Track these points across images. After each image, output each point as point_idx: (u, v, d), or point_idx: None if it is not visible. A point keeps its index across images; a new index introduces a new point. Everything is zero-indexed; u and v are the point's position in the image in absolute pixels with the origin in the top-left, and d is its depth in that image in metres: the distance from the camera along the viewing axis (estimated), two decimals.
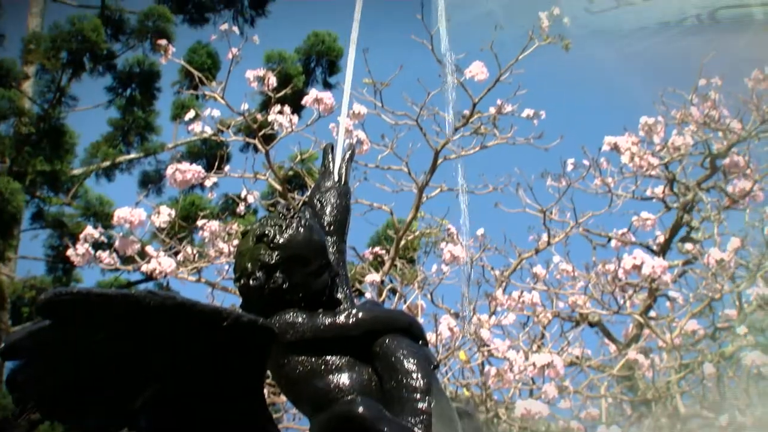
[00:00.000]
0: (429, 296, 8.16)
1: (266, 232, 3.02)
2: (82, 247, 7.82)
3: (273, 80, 8.42)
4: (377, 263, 8.95)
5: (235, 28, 8.55)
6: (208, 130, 8.83)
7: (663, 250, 8.78)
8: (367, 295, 7.91)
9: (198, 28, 16.04)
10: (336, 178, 3.49)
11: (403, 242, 8.55)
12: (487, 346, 7.16)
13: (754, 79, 8.60)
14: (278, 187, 8.57)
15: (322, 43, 14.86)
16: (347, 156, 3.56)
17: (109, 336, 2.47)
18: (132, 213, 7.67)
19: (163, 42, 8.87)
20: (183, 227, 8.46)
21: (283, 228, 3.03)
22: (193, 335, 2.53)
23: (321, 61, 15.03)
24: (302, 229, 3.04)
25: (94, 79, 14.70)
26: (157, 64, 14.57)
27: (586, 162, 8.89)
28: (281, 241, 3.00)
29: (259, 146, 8.29)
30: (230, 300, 7.88)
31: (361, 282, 8.12)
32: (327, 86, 15.00)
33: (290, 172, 9.20)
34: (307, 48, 14.88)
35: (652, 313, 8.36)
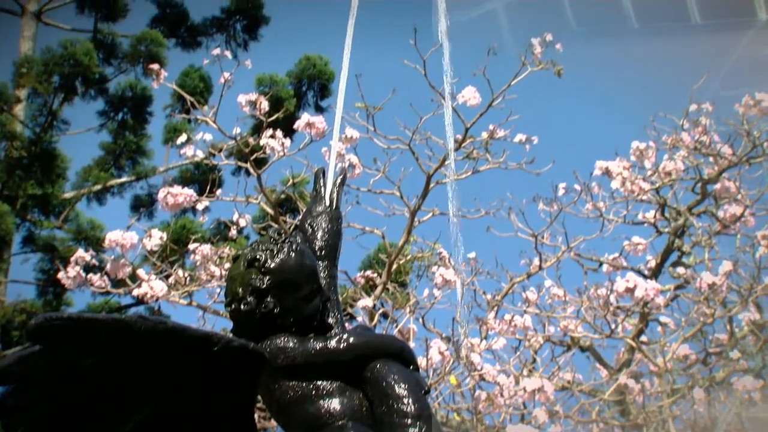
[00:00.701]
0: (421, 320, 8.15)
1: (257, 256, 3.02)
2: (73, 270, 7.79)
3: (265, 104, 8.43)
4: (369, 287, 8.94)
5: (228, 53, 8.55)
6: (200, 154, 8.82)
7: (654, 275, 8.77)
8: (359, 320, 7.90)
9: (191, 52, 16.11)
10: (327, 203, 3.49)
11: (395, 266, 8.55)
12: (478, 370, 7.14)
13: (744, 105, 8.63)
14: (270, 211, 8.56)
15: (314, 67, 14.91)
16: (339, 181, 3.56)
17: (100, 360, 2.47)
18: (123, 236, 7.66)
19: (155, 66, 8.88)
20: (174, 251, 8.43)
21: (275, 253, 3.03)
22: (184, 360, 2.52)
23: (312, 85, 15.08)
24: (293, 254, 3.04)
25: (86, 103, 14.75)
26: (149, 89, 14.61)
27: (577, 187, 8.91)
28: (272, 265, 3.00)
29: (251, 170, 8.29)
30: (221, 323, 7.85)
31: (352, 306, 8.10)
32: (319, 109, 15.06)
33: (282, 196, 9.19)
34: (299, 71, 14.92)
35: (644, 338, 8.35)
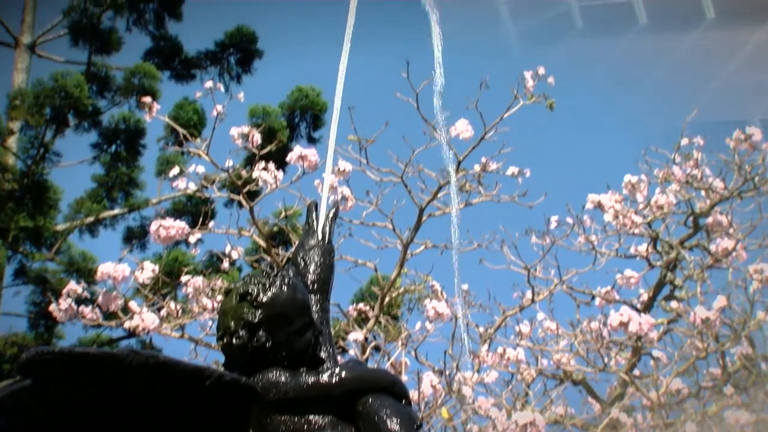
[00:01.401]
0: (413, 353, 8.13)
1: (250, 290, 3.02)
2: (64, 303, 7.76)
3: (257, 137, 8.44)
4: (361, 320, 8.92)
5: (220, 86, 8.58)
6: (192, 187, 8.81)
7: (647, 309, 8.77)
8: (351, 353, 7.88)
9: (184, 84, 16.16)
10: (320, 236, 3.49)
11: (387, 299, 8.54)
12: (471, 403, 7.12)
13: (735, 140, 8.67)
14: (262, 243, 8.55)
15: (306, 98, 14.95)
16: (331, 214, 3.57)
17: (92, 394, 2.46)
18: (115, 269, 7.64)
19: (147, 99, 8.89)
20: (166, 283, 8.41)
21: (267, 286, 3.03)
22: (176, 394, 2.51)
23: (305, 116, 15.11)
24: (286, 288, 3.04)
25: (79, 135, 14.76)
26: (142, 121, 14.63)
27: (570, 220, 8.93)
28: (264, 299, 3.00)
29: (244, 203, 8.29)
30: (213, 356, 7.82)
31: (344, 339, 8.08)
32: (311, 140, 15.09)
33: (274, 229, 9.19)
34: (291, 103, 14.96)
35: (637, 372, 8.33)
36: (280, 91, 15.29)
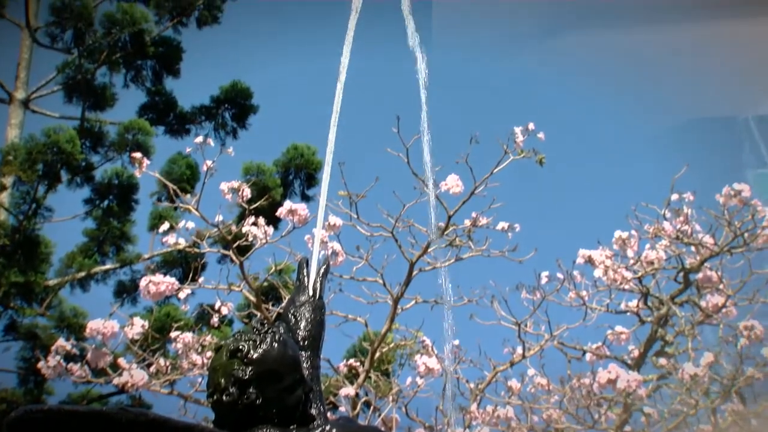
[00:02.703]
0: (404, 409, 8.10)
1: (240, 347, 3.02)
2: (53, 360, 7.73)
3: (247, 192, 8.47)
4: (352, 375, 8.89)
5: (210, 141, 8.59)
6: (182, 242, 8.81)
7: (638, 365, 8.76)
8: (342, 409, 7.85)
9: (179, 139, 16.22)
10: (311, 293, 3.51)
11: (377, 354, 8.52)
12: None
13: (725, 195, 8.71)
14: (252, 299, 8.55)
15: (302, 156, 15.00)
16: (322, 270, 3.59)
17: None
18: (105, 325, 7.62)
19: (138, 155, 8.90)
20: (156, 339, 8.39)
21: (257, 343, 3.03)
22: None
23: (300, 174, 15.15)
24: (276, 345, 3.05)
25: (71, 191, 14.76)
26: (135, 177, 14.63)
27: (560, 275, 8.93)
28: (255, 356, 3.00)
29: (234, 258, 8.29)
30: (203, 412, 7.78)
31: (335, 395, 8.06)
32: (305, 198, 15.11)
33: (265, 284, 9.18)
34: (286, 161, 15.01)
35: (628, 428, 8.31)
36: (276, 146, 15.34)
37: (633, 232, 8.95)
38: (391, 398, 7.86)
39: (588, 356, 9.00)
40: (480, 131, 8.24)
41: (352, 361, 9.42)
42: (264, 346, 3.03)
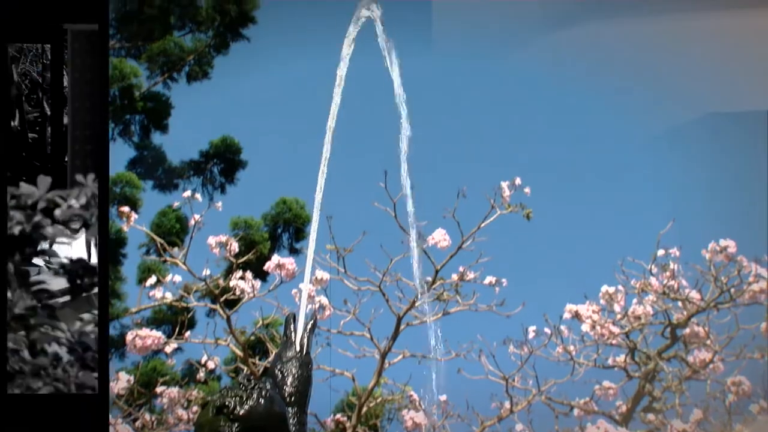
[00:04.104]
0: None
1: (226, 403, 3.01)
2: None
3: (235, 246, 8.49)
4: (339, 431, 8.84)
5: (198, 195, 8.62)
6: (169, 296, 8.81)
7: (626, 420, 8.73)
8: None
9: (167, 193, 16.20)
10: (298, 348, 3.51)
11: (365, 409, 8.49)
12: None
13: (711, 251, 8.75)
14: (239, 353, 8.53)
15: (290, 210, 15.00)
16: (309, 326, 3.59)
17: None
18: None
19: (125, 209, 8.92)
20: (142, 393, 8.34)
21: (244, 399, 3.03)
22: None
23: (288, 228, 15.15)
24: (263, 401, 3.04)
25: None
26: (123, 231, 14.60)
27: (547, 330, 8.93)
28: (241, 412, 3.00)
29: (220, 312, 8.28)
30: None
31: None
32: (293, 251, 15.09)
33: (252, 338, 9.16)
34: (275, 215, 15.00)
35: None
36: (264, 200, 15.31)
37: (620, 286, 8.97)
38: None
39: (576, 411, 8.98)
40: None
41: (339, 416, 9.38)
42: (250, 402, 3.02)
